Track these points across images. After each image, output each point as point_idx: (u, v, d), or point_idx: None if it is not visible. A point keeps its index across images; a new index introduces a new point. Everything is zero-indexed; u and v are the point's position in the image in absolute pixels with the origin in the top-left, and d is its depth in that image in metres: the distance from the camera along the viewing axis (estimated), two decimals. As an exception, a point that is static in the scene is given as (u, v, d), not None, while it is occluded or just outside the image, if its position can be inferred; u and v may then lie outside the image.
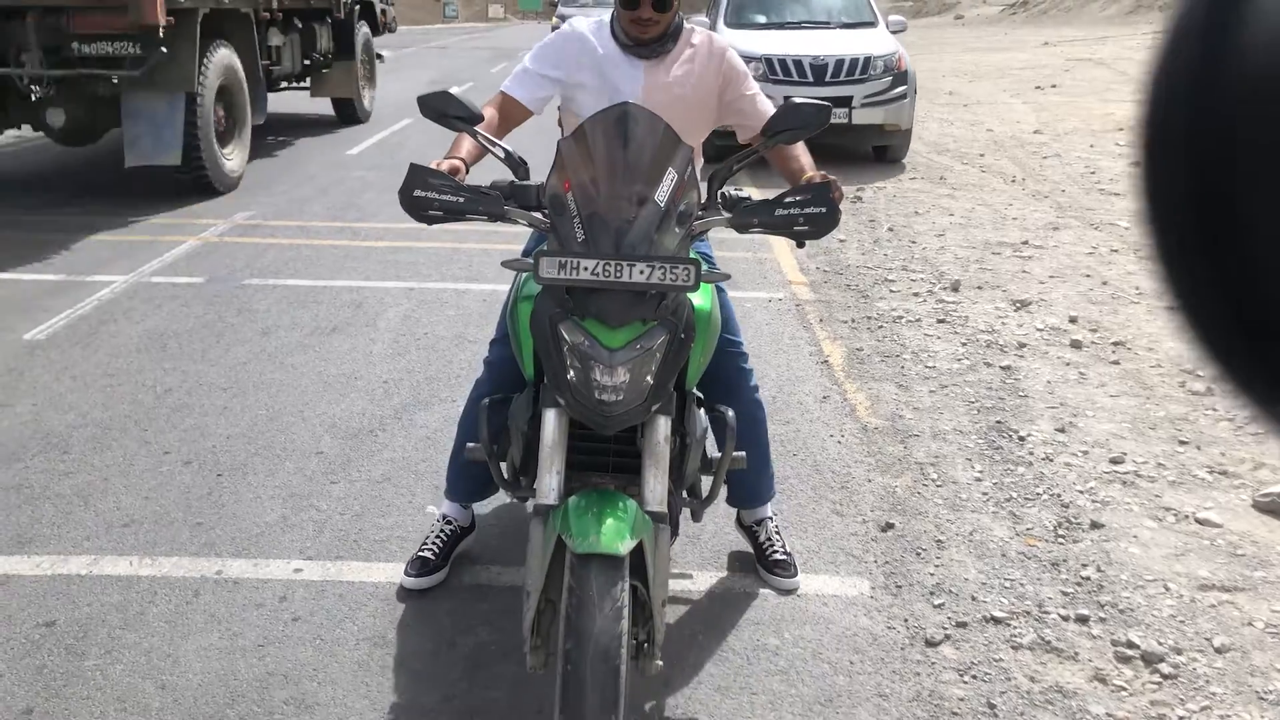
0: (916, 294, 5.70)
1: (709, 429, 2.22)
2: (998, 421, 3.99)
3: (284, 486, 3.36)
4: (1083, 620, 2.71)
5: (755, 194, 2.31)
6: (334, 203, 7.83)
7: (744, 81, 2.58)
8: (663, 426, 2.03)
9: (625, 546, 1.84)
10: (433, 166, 2.08)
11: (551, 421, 2.02)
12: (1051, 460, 3.66)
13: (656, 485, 2.02)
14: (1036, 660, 2.57)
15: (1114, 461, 3.64)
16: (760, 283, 5.91)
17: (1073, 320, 5.17)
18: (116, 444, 3.65)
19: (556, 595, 1.93)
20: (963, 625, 2.71)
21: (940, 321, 5.20)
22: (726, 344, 2.55)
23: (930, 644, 2.64)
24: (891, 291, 5.77)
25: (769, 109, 2.46)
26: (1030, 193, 8.69)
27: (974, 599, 2.83)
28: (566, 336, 1.91)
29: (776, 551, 2.89)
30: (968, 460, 3.67)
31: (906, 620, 2.74)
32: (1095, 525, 3.18)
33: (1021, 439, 3.83)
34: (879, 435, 3.89)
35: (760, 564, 2.91)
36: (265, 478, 3.42)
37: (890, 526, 3.20)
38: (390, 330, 4.91)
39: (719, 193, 2.14)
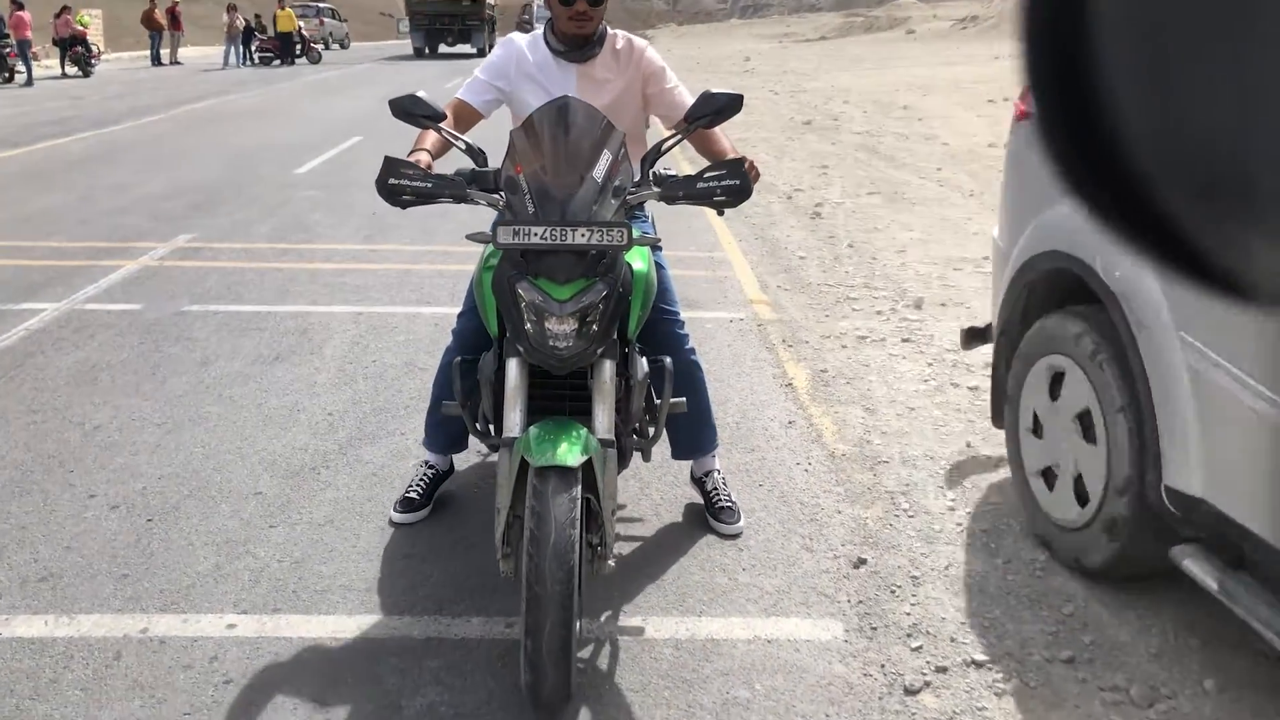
0: (879, 312, 5.59)
1: (649, 375, 2.52)
2: (967, 444, 3.86)
3: (219, 532, 3.14)
4: (1069, 662, 2.57)
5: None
6: (281, 223, 7.58)
7: (664, 75, 2.94)
8: (608, 368, 2.40)
9: (576, 460, 2.17)
10: (404, 158, 2.41)
11: (514, 368, 2.39)
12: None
13: (604, 416, 2.38)
14: (1022, 707, 2.43)
15: (1089, 487, 3.51)
16: (721, 302, 5.77)
17: (1039, 338, 5.07)
18: (37, 488, 3.41)
19: (523, 511, 2.21)
20: (943, 670, 2.56)
21: (905, 340, 5.08)
22: (664, 312, 2.88)
23: (909, 692, 2.48)
24: (854, 310, 5.65)
25: (687, 99, 2.81)
26: (989, 207, 8.64)
27: (953, 640, 2.68)
28: (523, 294, 2.23)
29: (722, 500, 3.25)
30: (940, 488, 3.54)
31: (883, 666, 2.58)
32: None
33: (995, 465, 3.70)
34: (847, 462, 3.74)
35: (708, 512, 3.25)
36: (199, 522, 3.20)
37: (863, 562, 3.05)
38: (336, 358, 4.70)
39: (650, 171, 2.49)
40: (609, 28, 2.92)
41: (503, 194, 2.35)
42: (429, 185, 2.32)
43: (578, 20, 2.76)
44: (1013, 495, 3.45)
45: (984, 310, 5.55)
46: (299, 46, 31.13)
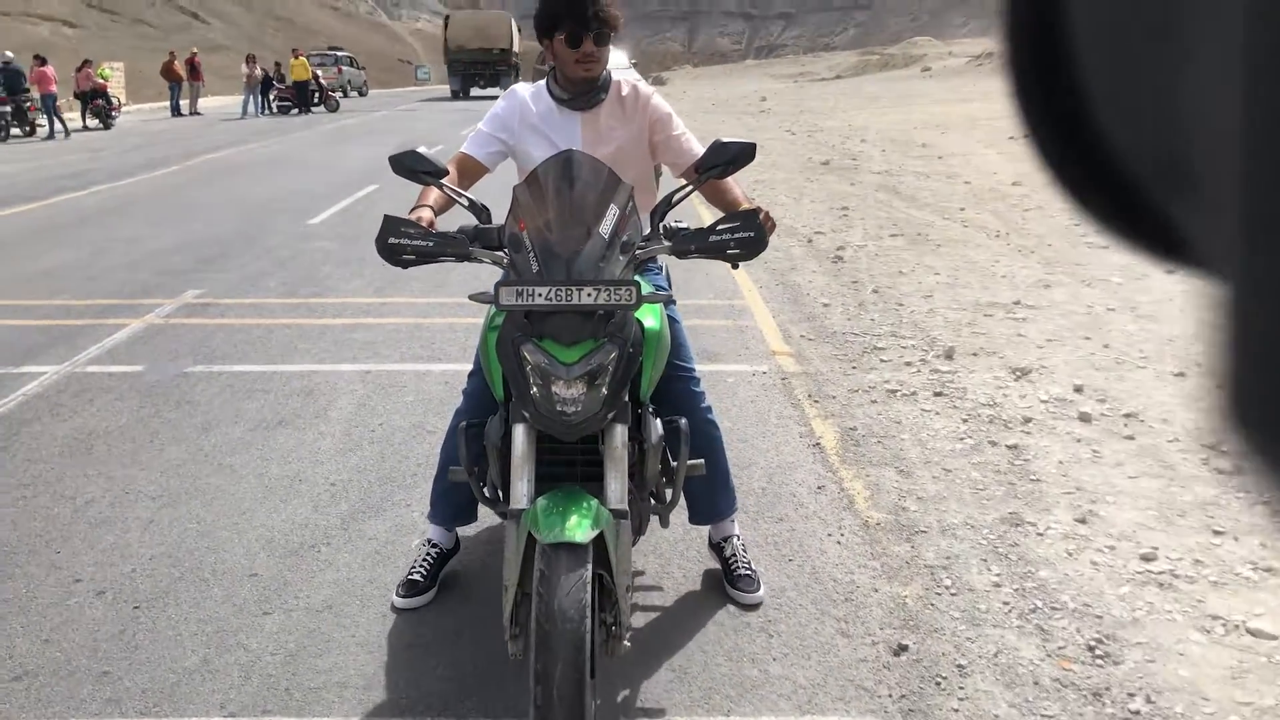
0: (909, 363, 5.35)
1: (664, 438, 2.42)
2: (1011, 512, 3.61)
3: (209, 620, 2.93)
4: (1139, 771, 2.32)
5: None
6: (291, 277, 7.44)
7: (670, 122, 2.85)
8: (620, 433, 2.27)
9: (586, 535, 2.05)
10: (405, 216, 2.32)
11: (520, 435, 2.26)
12: (1075, 558, 3.29)
13: (616, 485, 2.26)
14: (1091, 825, 2.17)
15: (1145, 559, 3.26)
16: (742, 354, 5.56)
17: (1078, 389, 4.83)
18: (20, 570, 3.21)
19: (530, 587, 2.09)
20: (999, 780, 2.31)
21: (937, 394, 4.84)
22: (678, 369, 2.77)
23: (963, 806, 2.23)
24: (882, 361, 5.42)
25: (696, 146, 2.80)
26: (1015, 248, 8.43)
27: (1008, 743, 2.43)
28: (528, 356, 2.13)
29: (740, 567, 3.09)
30: (983, 561, 3.29)
31: (933, 774, 2.33)
32: (1137, 644, 2.79)
33: (1040, 534, 3.46)
34: (882, 532, 3.50)
35: (726, 580, 3.10)
36: (189, 609, 2.99)
37: (904, 649, 2.80)
38: (342, 421, 4.50)
39: (660, 225, 2.41)
40: (613, 75, 2.84)
41: (506, 252, 2.27)
42: (430, 244, 2.23)
43: (585, 63, 2.69)
44: (1064, 570, 3.20)
45: (1017, 358, 5.33)
46: (316, 95, 31.39)
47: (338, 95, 33.94)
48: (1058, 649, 2.78)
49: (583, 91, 2.78)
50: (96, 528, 3.50)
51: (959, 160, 14.64)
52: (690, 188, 2.47)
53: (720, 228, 2.28)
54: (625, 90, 2.84)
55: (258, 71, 30.27)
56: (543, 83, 2.88)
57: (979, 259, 8.03)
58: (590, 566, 2.04)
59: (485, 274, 6.94)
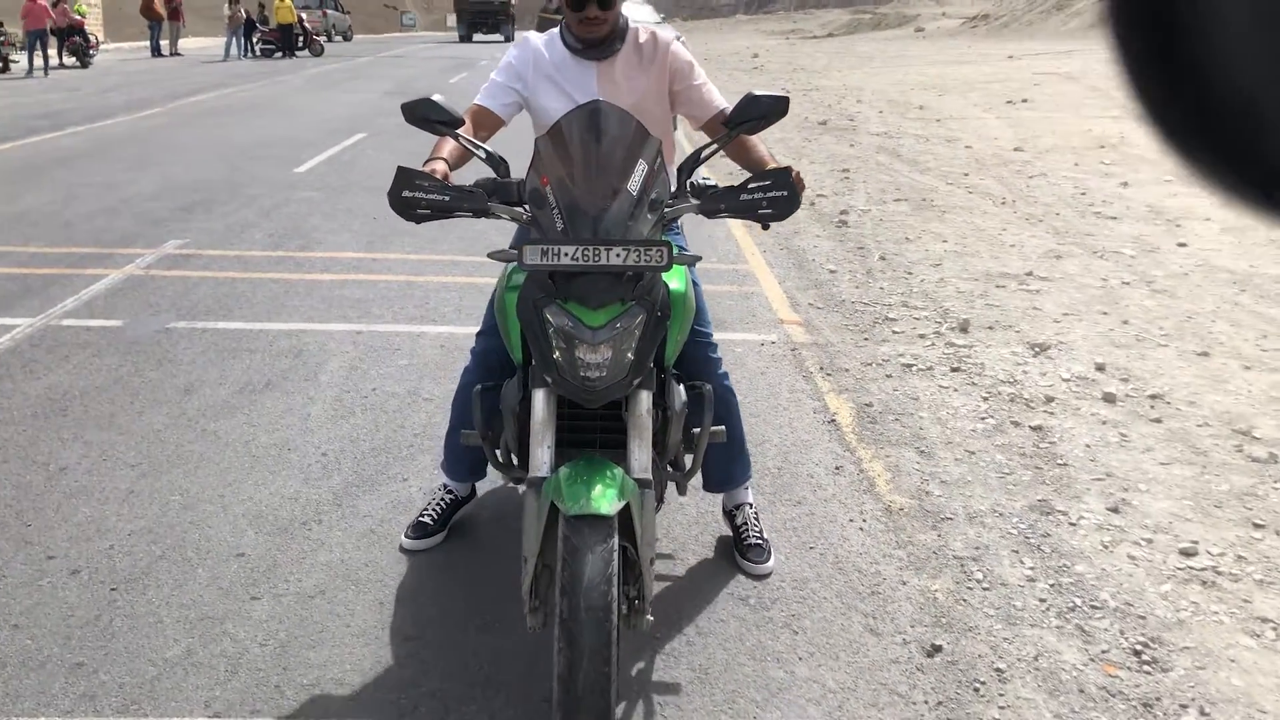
0: (922, 335, 5.16)
1: (688, 404, 2.32)
2: (1040, 500, 3.44)
3: (193, 604, 2.72)
4: (1201, 794, 2.16)
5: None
6: (277, 228, 7.16)
7: (691, 72, 2.70)
8: (645, 400, 2.17)
9: (612, 507, 1.95)
10: (419, 169, 2.17)
11: (540, 400, 2.17)
12: (1111, 551, 3.12)
13: (641, 454, 2.16)
14: None
15: (1185, 554, 3.10)
16: (750, 322, 5.35)
17: (1099, 368, 4.65)
18: (-11, 546, 2.99)
19: (552, 560, 2.03)
20: (1050, 801, 2.14)
21: (954, 370, 4.65)
22: (696, 334, 2.65)
23: (1014, 831, 2.06)
24: (894, 333, 5.22)
25: (717, 98, 2.69)
26: (1023, 216, 8.22)
27: (1056, 758, 2.26)
28: (551, 319, 2.02)
29: (751, 536, 3.02)
30: (1014, 553, 3.11)
31: (978, 793, 2.16)
32: (1184, 648, 2.63)
33: (1072, 523, 3.28)
34: (906, 519, 3.32)
35: (736, 549, 3.04)
36: (170, 592, 2.78)
37: (938, 649, 2.63)
38: (333, 386, 4.27)
39: (687, 182, 2.26)
40: (630, 21, 2.68)
41: (527, 208, 2.16)
42: (446, 198, 2.10)
43: (588, 24, 2.55)
44: (1101, 564, 3.03)
45: (1034, 333, 5.14)
46: (300, 38, 30.66)
47: (322, 40, 33.16)
48: (1101, 653, 2.62)
49: (596, 43, 2.62)
50: (71, 498, 3.28)
51: (957, 124, 14.37)
52: (720, 142, 2.32)
53: (752, 186, 2.17)
54: (643, 38, 2.69)
55: (241, 13, 29.49)
56: (556, 31, 2.71)
57: (986, 226, 7.82)
58: (616, 539, 1.96)
59: (488, 229, 6.71)
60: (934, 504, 3.42)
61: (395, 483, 3.44)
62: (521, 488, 3.44)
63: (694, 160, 2.26)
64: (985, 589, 2.92)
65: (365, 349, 4.73)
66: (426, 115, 2.17)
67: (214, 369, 4.41)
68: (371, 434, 3.82)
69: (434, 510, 3.07)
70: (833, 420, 4.11)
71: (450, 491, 3.10)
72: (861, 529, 3.25)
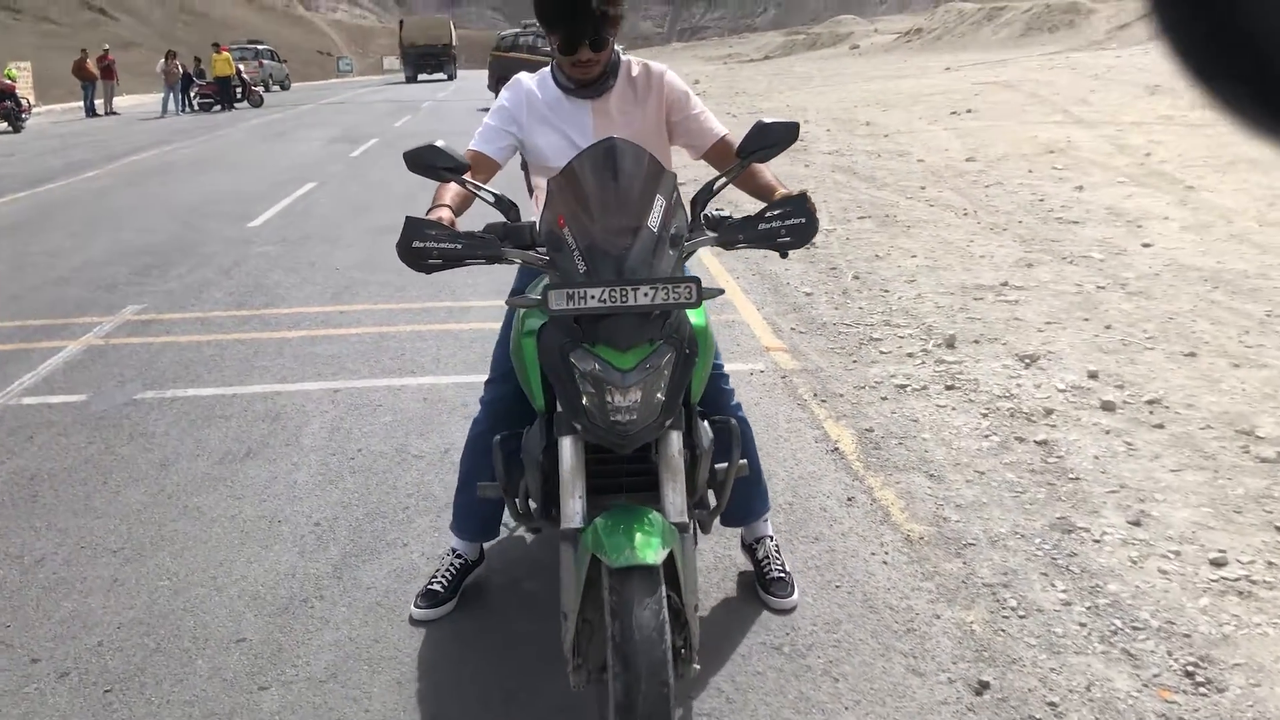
0: (910, 354, 5.10)
1: (715, 440, 2.28)
2: (1059, 517, 3.37)
3: (196, 700, 2.54)
4: (1286, 824, 2.07)
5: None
6: (237, 286, 6.96)
7: (688, 102, 2.63)
8: (675, 440, 2.11)
9: (658, 556, 1.88)
10: (426, 218, 2.12)
11: (569, 448, 2.10)
12: (1141, 567, 3.05)
13: (676, 497, 2.10)
14: None
15: (1216, 564, 3.03)
16: (735, 351, 5.25)
17: (1092, 376, 4.62)
18: (-33, 652, 2.79)
19: (593, 614, 1.99)
20: (1132, 844, 2.04)
21: (949, 388, 4.59)
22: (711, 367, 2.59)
23: None
24: (882, 353, 5.16)
25: (716, 126, 2.63)
26: (987, 226, 8.26)
27: (1129, 796, 2.16)
28: (578, 364, 1.95)
29: (774, 570, 2.97)
30: (1044, 575, 3.03)
31: (1056, 842, 2.06)
32: (1236, 665, 2.55)
33: (1096, 540, 3.21)
34: (928, 548, 3.23)
35: (758, 583, 2.99)
36: (170, 689, 2.59)
37: (985, 686, 2.53)
38: (316, 449, 4.10)
39: (700, 214, 2.21)
40: (623, 55, 2.61)
41: (542, 250, 2.09)
42: (458, 247, 2.03)
43: (581, 67, 2.47)
44: (1133, 581, 2.95)
45: (1021, 344, 5.11)
46: (239, 90, 30.35)
47: (260, 90, 32.86)
48: (1153, 677, 2.53)
49: (588, 81, 2.54)
50: (51, 592, 3.08)
51: (906, 137, 14.50)
52: (731, 173, 2.25)
53: (769, 214, 2.12)
54: (635, 70, 2.62)
55: (177, 68, 29.13)
56: (547, 70, 2.63)
57: (953, 239, 7.83)
58: (664, 589, 1.89)
59: (454, 273, 6.56)
60: (953, 530, 3.34)
61: (395, 549, 3.28)
62: (529, 536, 3.34)
63: (707, 192, 2.19)
64: (1022, 617, 2.83)
65: (345, 407, 4.56)
66: (431, 163, 2.09)
67: (189, 440, 4.22)
68: (363, 498, 3.66)
69: (444, 577, 2.95)
70: (836, 448, 4.02)
71: (459, 556, 2.98)
72: (885, 562, 3.15)
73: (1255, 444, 3.84)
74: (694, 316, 2.22)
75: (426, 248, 2.02)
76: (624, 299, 1.90)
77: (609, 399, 1.94)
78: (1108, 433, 4.03)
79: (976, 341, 5.23)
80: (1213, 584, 2.94)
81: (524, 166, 3.22)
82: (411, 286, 6.71)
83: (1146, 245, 7.24)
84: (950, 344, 5.18)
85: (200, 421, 4.42)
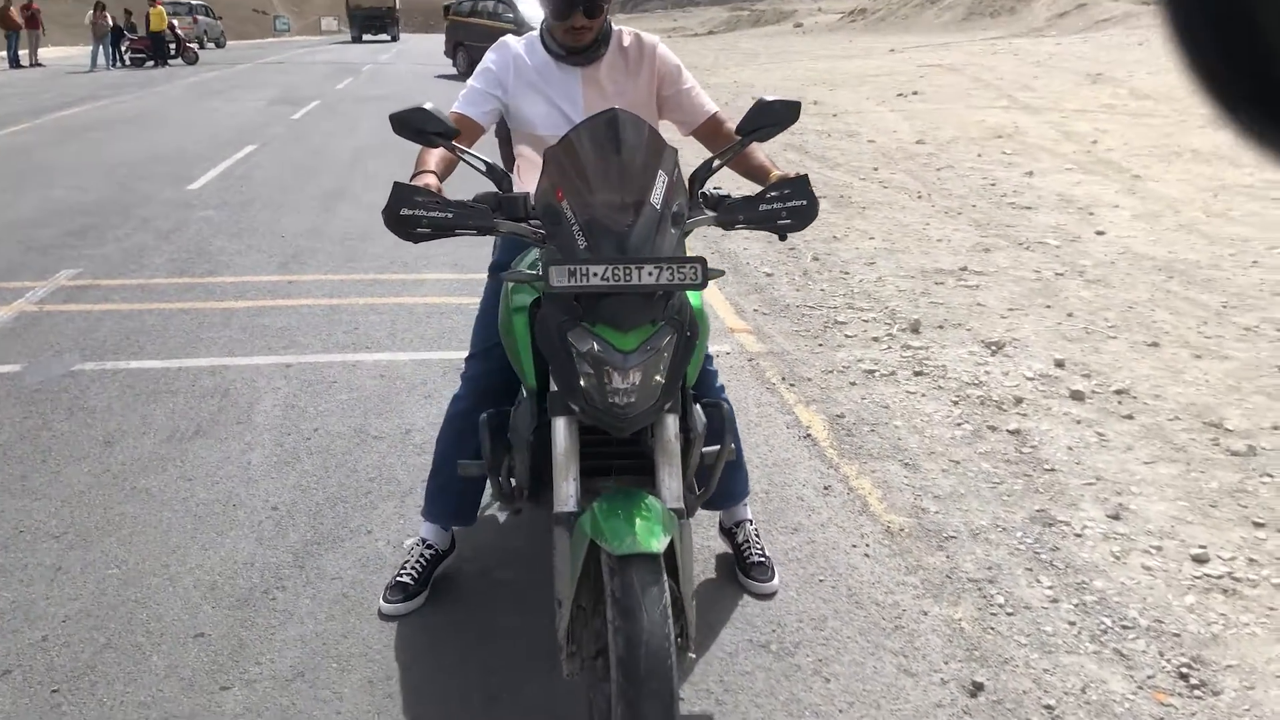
0: (876, 339, 5.05)
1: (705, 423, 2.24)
2: (1038, 510, 3.34)
3: (153, 701, 2.38)
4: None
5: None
6: (179, 252, 6.66)
7: (680, 75, 2.58)
8: (672, 424, 2.05)
9: (661, 544, 1.82)
10: (415, 184, 2.02)
11: (563, 429, 2.03)
12: (1124, 563, 3.03)
13: (672, 482, 2.04)
14: None
15: (1198, 560, 3.02)
16: (699, 333, 5.14)
17: (1059, 364, 4.61)
18: (-103, 647, 2.59)
19: (587, 601, 1.95)
20: None
21: (918, 374, 4.55)
22: None
23: None
24: (847, 337, 5.10)
25: (708, 102, 2.58)
26: (941, 209, 8.25)
27: (1131, 803, 2.13)
28: (577, 343, 1.88)
29: (754, 554, 2.94)
30: (1028, 571, 2.99)
31: None
32: (1228, 666, 2.53)
33: (1078, 534, 3.18)
34: (909, 540, 3.17)
35: (738, 567, 2.95)
36: (124, 689, 2.43)
37: (980, 688, 2.47)
38: (270, 428, 3.92)
39: (699, 192, 2.16)
40: (614, 23, 2.54)
41: (536, 224, 2.02)
42: (449, 215, 1.93)
43: (574, 33, 2.42)
44: (1118, 578, 2.93)
45: (985, 330, 5.09)
46: (173, 46, 29.32)
47: (195, 47, 31.79)
48: (1147, 679, 2.50)
49: (580, 48, 2.47)
50: (-12, 580, 2.88)
51: (855, 118, 14.49)
52: (730, 152, 2.18)
53: (770, 195, 2.07)
54: (627, 40, 2.55)
55: (106, 20, 28.02)
56: (535, 34, 2.56)
57: (909, 222, 7.81)
58: (665, 577, 1.82)
59: (423, 247, 6.36)
60: (933, 521, 3.29)
61: (359, 536, 3.13)
62: (501, 517, 3.23)
63: (706, 170, 2.13)
64: (1010, 614, 2.78)
65: (299, 384, 4.37)
66: (420, 126, 2.00)
67: (134, 415, 4.00)
68: (322, 481, 3.49)
69: (414, 568, 2.81)
70: (808, 435, 3.95)
71: (430, 546, 2.85)
72: (867, 555, 3.09)
73: (1224, 436, 3.86)
74: (691, 297, 2.15)
75: (415, 215, 1.92)
76: (628, 278, 1.82)
77: (608, 380, 1.86)
78: (1079, 423, 4.02)
79: (941, 327, 5.20)
80: (1196, 581, 2.92)
81: (498, 133, 3.09)
82: (362, 257, 6.49)
83: (1100, 233, 7.29)
84: (915, 329, 5.14)
85: (145, 396, 4.20)
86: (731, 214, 2.08)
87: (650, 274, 1.83)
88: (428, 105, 2.02)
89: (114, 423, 3.94)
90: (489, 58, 2.54)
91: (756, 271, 6.42)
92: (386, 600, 2.76)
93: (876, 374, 4.57)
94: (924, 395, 4.32)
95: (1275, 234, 7.07)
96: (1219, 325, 5.16)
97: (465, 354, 2.78)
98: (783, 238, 2.17)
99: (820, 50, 31.78)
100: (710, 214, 2.11)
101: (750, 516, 3.04)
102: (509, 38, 2.60)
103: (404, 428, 3.92)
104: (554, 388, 2.01)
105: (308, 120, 14.71)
